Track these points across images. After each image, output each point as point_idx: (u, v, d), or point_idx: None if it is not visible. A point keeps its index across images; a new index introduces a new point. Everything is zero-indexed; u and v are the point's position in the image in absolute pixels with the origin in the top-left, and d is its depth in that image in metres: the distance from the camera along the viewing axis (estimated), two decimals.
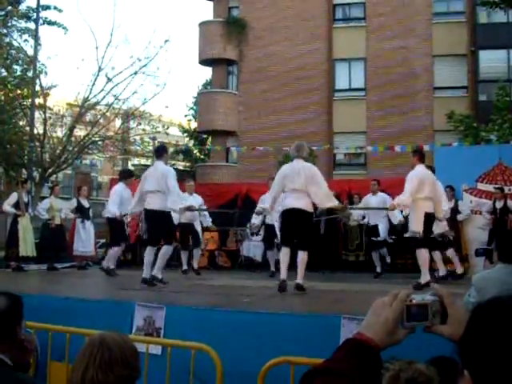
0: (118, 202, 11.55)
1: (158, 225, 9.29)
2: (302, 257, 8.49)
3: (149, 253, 9.33)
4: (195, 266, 12.78)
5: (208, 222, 13.32)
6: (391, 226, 12.60)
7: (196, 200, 12.68)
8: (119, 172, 13.25)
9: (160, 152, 9.85)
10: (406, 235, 9.39)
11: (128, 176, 12.18)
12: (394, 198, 10.36)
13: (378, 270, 12.68)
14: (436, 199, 9.35)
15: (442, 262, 10.11)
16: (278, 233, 11.00)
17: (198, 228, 12.95)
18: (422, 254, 9.00)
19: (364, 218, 13.23)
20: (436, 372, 2.18)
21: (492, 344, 1.32)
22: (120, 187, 11.76)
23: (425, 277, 8.95)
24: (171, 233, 9.64)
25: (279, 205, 9.15)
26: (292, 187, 8.53)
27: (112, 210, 11.51)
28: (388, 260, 13.10)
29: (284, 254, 8.59)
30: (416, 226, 9.02)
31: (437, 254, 9.94)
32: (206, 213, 13.25)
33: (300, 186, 8.47)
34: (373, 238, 12.76)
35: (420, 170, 9.18)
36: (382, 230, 12.67)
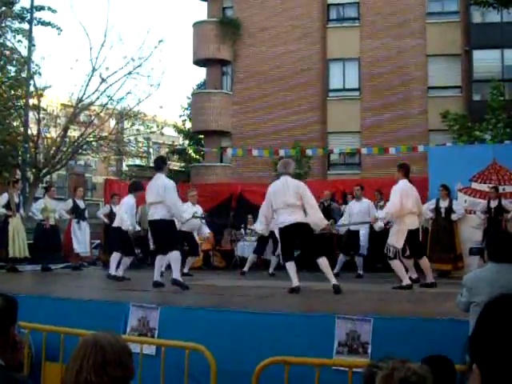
0: (129, 214, 11.46)
1: (162, 233, 9.49)
2: (323, 263, 8.76)
3: (158, 260, 9.60)
4: (186, 270, 12.75)
5: (205, 233, 13.24)
6: (372, 232, 12.59)
7: (199, 210, 12.83)
8: (130, 184, 13.11)
9: (159, 164, 9.87)
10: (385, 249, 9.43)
11: (138, 189, 12.02)
12: (386, 198, 10.43)
13: (361, 272, 12.83)
14: (418, 212, 9.52)
15: (412, 265, 10.16)
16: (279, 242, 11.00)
17: (196, 238, 13.00)
18: (396, 264, 9.30)
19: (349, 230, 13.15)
20: (429, 371, 2.19)
21: (501, 339, 1.36)
22: (131, 200, 11.59)
23: (404, 280, 9.22)
24: (174, 240, 9.64)
25: (274, 223, 9.49)
26: (284, 203, 8.71)
27: (127, 223, 11.31)
28: (360, 271, 12.82)
29: (290, 266, 8.86)
30: (397, 242, 9.20)
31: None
32: (204, 222, 13.20)
33: (291, 201, 8.69)
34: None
35: (403, 184, 9.35)
36: (364, 236, 12.91)
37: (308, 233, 8.86)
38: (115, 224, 11.75)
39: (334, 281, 8.74)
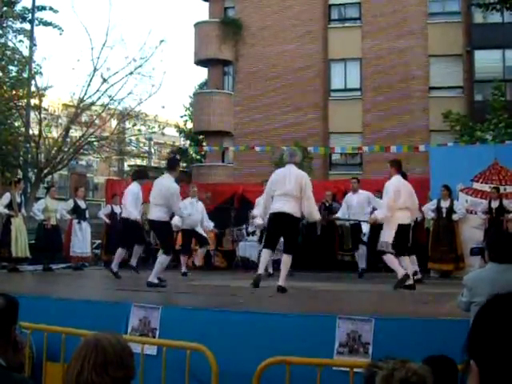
0: (135, 203, 11.42)
1: (156, 234, 10.01)
2: (287, 260, 8.69)
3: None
4: (197, 263, 12.98)
5: (210, 226, 13.34)
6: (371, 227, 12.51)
7: (199, 205, 12.91)
8: (133, 172, 13.02)
9: (171, 165, 9.98)
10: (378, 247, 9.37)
11: (142, 176, 11.96)
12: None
13: (363, 266, 12.62)
14: (412, 207, 9.43)
15: (414, 265, 10.05)
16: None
17: (201, 231, 13.00)
18: (388, 258, 9.14)
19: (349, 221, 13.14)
20: (430, 371, 2.19)
21: (498, 335, 1.39)
22: (136, 188, 11.50)
23: (399, 272, 9.01)
24: (168, 242, 9.76)
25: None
26: (282, 191, 8.62)
27: (133, 213, 11.21)
28: (363, 265, 12.53)
29: (265, 255, 8.82)
30: (387, 237, 9.11)
31: (412, 258, 9.92)
32: (207, 217, 13.22)
33: (290, 191, 8.59)
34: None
35: (396, 180, 9.29)
36: (365, 226, 12.58)
37: (294, 227, 8.80)
38: (124, 215, 11.73)
39: (282, 283, 8.53)
